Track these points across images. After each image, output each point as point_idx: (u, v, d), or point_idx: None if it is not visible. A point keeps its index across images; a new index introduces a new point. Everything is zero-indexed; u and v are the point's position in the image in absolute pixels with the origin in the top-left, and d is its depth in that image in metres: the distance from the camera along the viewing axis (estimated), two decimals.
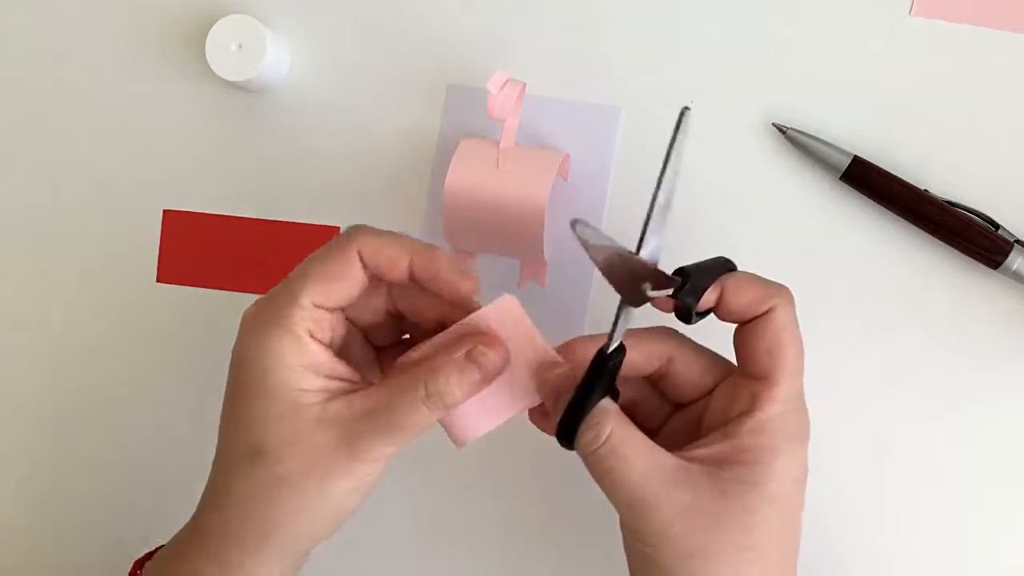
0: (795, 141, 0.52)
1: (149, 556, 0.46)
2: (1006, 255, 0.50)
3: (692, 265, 0.42)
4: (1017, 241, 0.50)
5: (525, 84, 0.51)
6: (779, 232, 0.53)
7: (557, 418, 0.40)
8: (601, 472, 0.40)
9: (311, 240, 0.57)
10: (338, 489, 0.40)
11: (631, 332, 0.42)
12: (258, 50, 0.55)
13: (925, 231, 0.51)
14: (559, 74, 0.55)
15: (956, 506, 0.51)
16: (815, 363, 0.52)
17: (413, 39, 0.56)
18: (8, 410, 0.60)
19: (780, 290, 0.42)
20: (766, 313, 0.41)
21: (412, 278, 0.41)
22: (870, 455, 0.52)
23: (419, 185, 0.56)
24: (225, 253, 0.58)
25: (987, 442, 0.51)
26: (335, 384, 0.41)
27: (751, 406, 0.40)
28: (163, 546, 0.45)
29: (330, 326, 0.41)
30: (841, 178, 0.51)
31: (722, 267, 0.43)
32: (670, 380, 0.44)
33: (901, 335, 0.52)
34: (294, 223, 0.57)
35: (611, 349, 0.40)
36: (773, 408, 0.40)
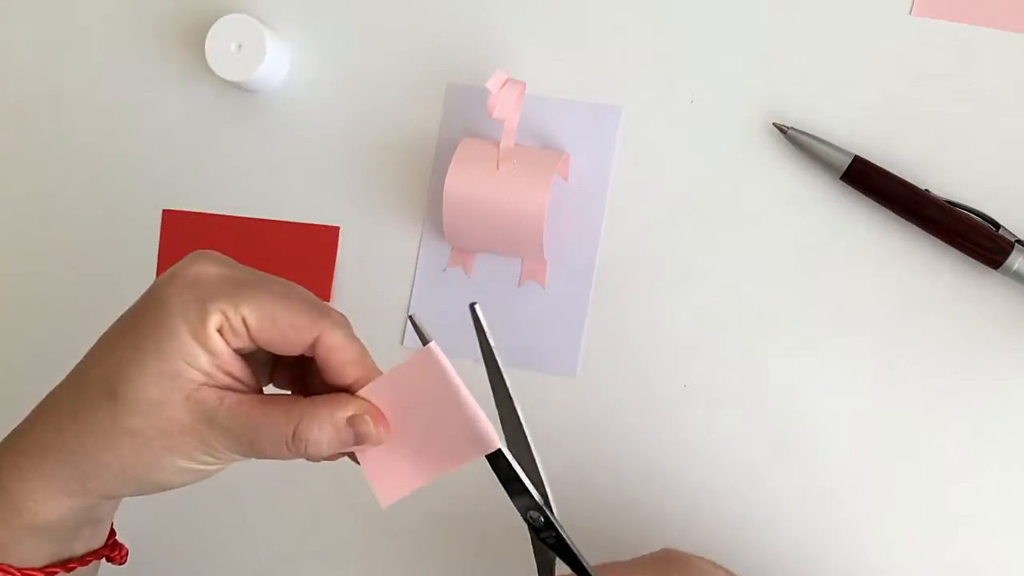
0: (795, 141, 0.52)
1: None
2: (1007, 255, 0.49)
3: None
4: (1018, 241, 0.50)
5: (525, 84, 0.51)
6: (779, 232, 0.53)
7: None
8: None
9: (311, 240, 0.57)
10: (175, 465, 0.40)
11: None
12: (258, 50, 0.55)
13: (925, 231, 0.51)
14: (559, 74, 0.55)
15: (956, 505, 0.51)
16: (816, 363, 0.52)
17: (413, 39, 0.56)
18: (7, 410, 0.60)
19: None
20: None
21: (348, 390, 0.40)
22: (870, 455, 0.52)
23: (419, 185, 0.56)
24: (225, 253, 0.57)
25: (987, 441, 0.51)
26: (221, 376, 0.40)
27: None
28: None
29: (242, 340, 0.40)
30: (841, 178, 0.51)
31: None
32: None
33: (901, 335, 0.52)
34: (294, 223, 0.57)
35: None
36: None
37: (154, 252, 0.58)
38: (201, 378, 0.39)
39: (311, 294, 0.41)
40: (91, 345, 0.57)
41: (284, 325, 0.39)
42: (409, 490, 0.40)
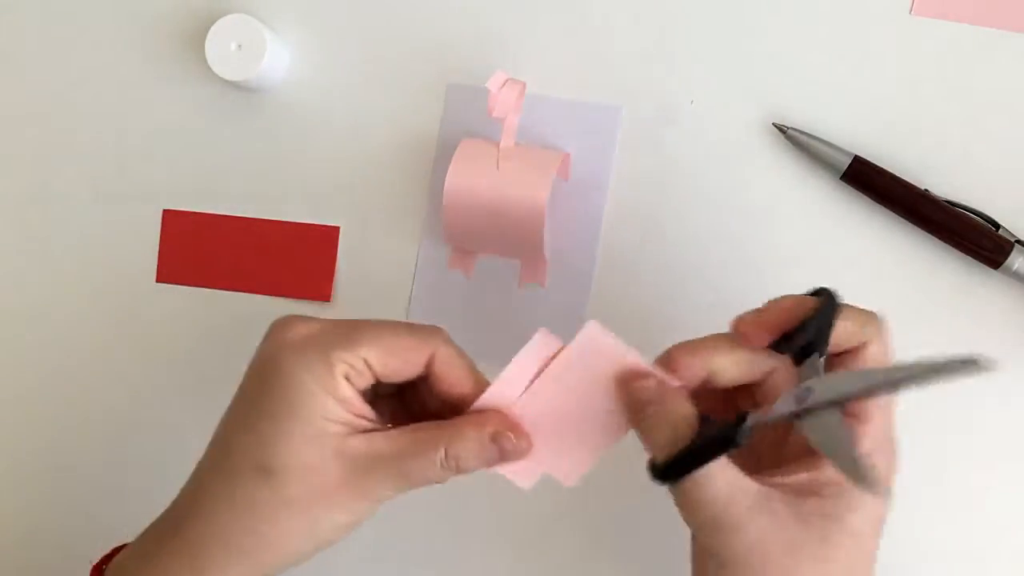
0: (795, 141, 0.52)
1: (109, 558, 0.45)
2: (1007, 255, 0.49)
3: (814, 324, 0.39)
4: (1018, 241, 0.50)
5: (525, 84, 0.51)
6: (779, 232, 0.53)
7: (655, 452, 0.39)
8: (681, 491, 0.39)
9: (311, 240, 0.57)
10: (333, 521, 0.40)
11: (739, 349, 0.41)
12: (258, 50, 0.55)
13: (925, 231, 0.51)
14: (559, 74, 0.55)
15: (956, 504, 0.51)
16: None
17: (413, 39, 0.56)
18: (7, 410, 0.60)
19: (875, 323, 0.40)
20: (858, 347, 0.40)
21: (460, 402, 0.42)
22: None
23: (419, 185, 0.56)
24: (225, 253, 0.58)
25: (987, 441, 0.51)
26: (358, 421, 0.41)
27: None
28: (124, 546, 0.44)
29: (367, 381, 0.41)
30: (841, 178, 0.51)
31: (830, 314, 0.40)
32: (760, 393, 0.42)
33: (901, 335, 0.52)
34: (294, 223, 0.57)
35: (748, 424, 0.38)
36: (862, 446, 0.39)
37: (154, 252, 0.58)
38: (343, 430, 0.40)
39: (401, 320, 0.43)
40: (90, 345, 0.58)
41: (402, 353, 0.41)
42: (588, 467, 0.42)
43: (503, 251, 0.54)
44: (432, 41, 0.56)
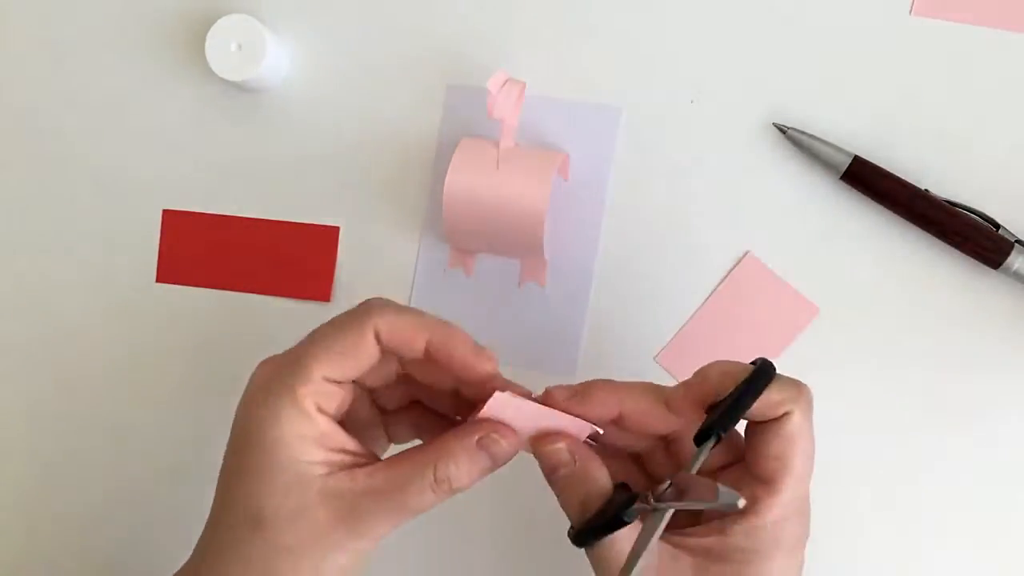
0: (795, 141, 0.52)
1: None
2: (1006, 255, 0.49)
3: (731, 405, 0.39)
4: (1017, 241, 0.50)
5: (525, 84, 0.51)
6: (779, 232, 0.53)
7: (569, 517, 0.41)
8: (592, 553, 0.40)
9: (311, 240, 0.57)
10: (336, 564, 0.40)
11: (658, 401, 0.42)
12: (258, 50, 0.55)
13: (925, 231, 0.51)
14: (559, 74, 0.55)
15: (956, 504, 0.51)
16: (815, 362, 0.52)
17: (413, 39, 0.56)
18: (7, 409, 0.60)
19: (797, 394, 0.40)
20: (780, 417, 0.39)
21: (428, 356, 0.41)
22: (870, 454, 0.52)
23: (419, 185, 0.56)
24: (224, 253, 0.58)
25: (987, 441, 0.51)
26: (338, 457, 0.40)
27: (750, 507, 0.39)
28: None
29: (338, 397, 0.41)
30: (841, 178, 0.51)
31: (758, 389, 0.40)
32: (676, 454, 0.43)
33: (901, 335, 0.52)
34: (294, 223, 0.57)
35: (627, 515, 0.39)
36: (771, 514, 0.39)
37: (154, 252, 0.58)
38: (324, 469, 0.40)
39: (343, 312, 0.42)
40: (89, 345, 0.58)
41: (346, 347, 0.40)
42: None
43: (503, 251, 0.54)
44: (432, 41, 0.56)
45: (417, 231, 0.56)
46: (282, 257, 0.57)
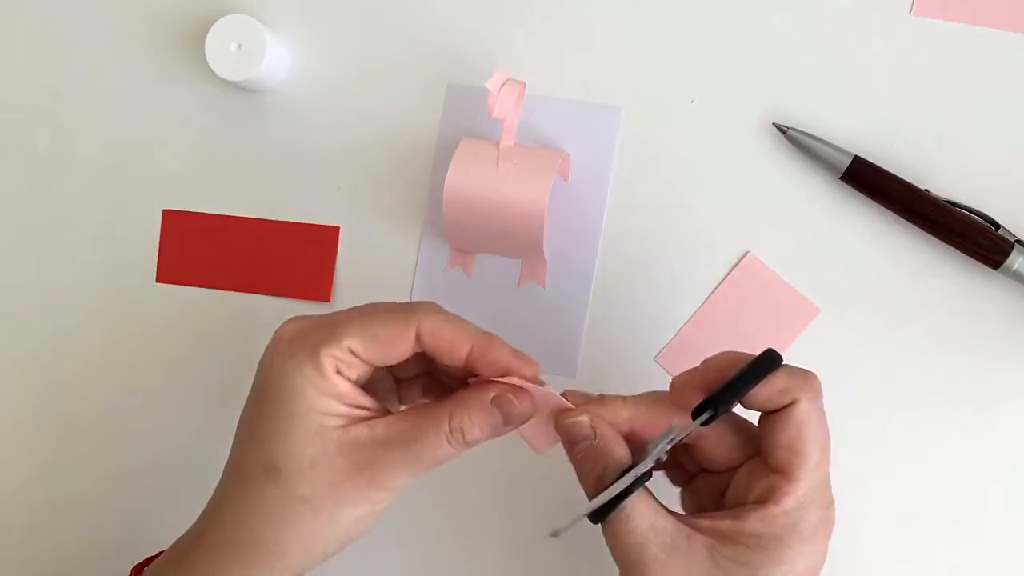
0: (795, 141, 0.52)
1: (148, 561, 0.46)
2: (1006, 255, 0.49)
3: (730, 383, 0.40)
4: (1017, 241, 0.50)
5: (525, 84, 0.51)
6: (779, 232, 0.53)
7: (584, 488, 0.41)
8: (606, 530, 0.40)
9: (311, 240, 0.57)
10: (351, 514, 0.41)
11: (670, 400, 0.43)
12: (258, 50, 0.55)
13: (925, 231, 0.51)
14: (559, 74, 0.55)
15: (956, 504, 0.51)
16: (815, 363, 0.52)
17: (413, 39, 0.56)
18: (7, 410, 0.60)
19: (803, 382, 0.40)
20: (788, 406, 0.40)
21: (467, 364, 0.42)
22: (870, 453, 0.52)
23: (419, 185, 0.56)
24: (224, 253, 0.58)
25: (987, 441, 0.51)
26: (357, 412, 0.41)
27: (766, 496, 0.40)
28: (162, 552, 0.45)
29: (359, 369, 0.42)
30: (841, 178, 0.51)
31: (760, 374, 0.41)
32: (699, 450, 0.44)
33: (901, 335, 0.52)
34: (294, 223, 0.57)
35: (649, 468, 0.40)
36: (787, 503, 0.40)
37: (154, 252, 0.58)
38: (342, 422, 0.40)
39: (392, 302, 0.43)
40: (90, 345, 0.58)
41: (385, 338, 0.41)
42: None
43: (503, 251, 0.54)
44: (432, 41, 0.56)
45: (417, 231, 0.56)
46: (282, 257, 0.57)
